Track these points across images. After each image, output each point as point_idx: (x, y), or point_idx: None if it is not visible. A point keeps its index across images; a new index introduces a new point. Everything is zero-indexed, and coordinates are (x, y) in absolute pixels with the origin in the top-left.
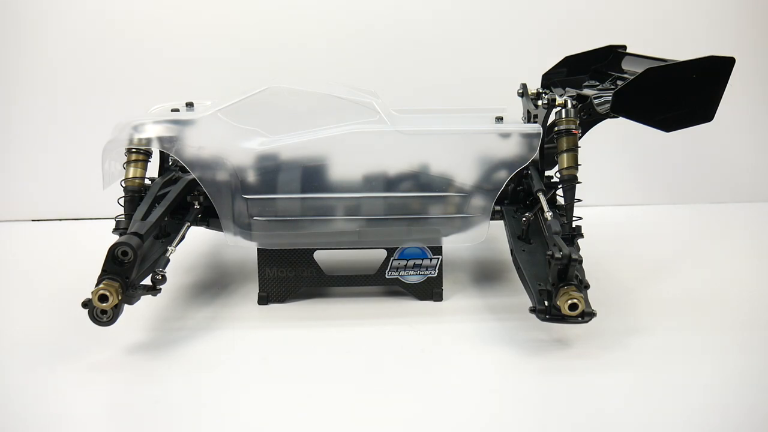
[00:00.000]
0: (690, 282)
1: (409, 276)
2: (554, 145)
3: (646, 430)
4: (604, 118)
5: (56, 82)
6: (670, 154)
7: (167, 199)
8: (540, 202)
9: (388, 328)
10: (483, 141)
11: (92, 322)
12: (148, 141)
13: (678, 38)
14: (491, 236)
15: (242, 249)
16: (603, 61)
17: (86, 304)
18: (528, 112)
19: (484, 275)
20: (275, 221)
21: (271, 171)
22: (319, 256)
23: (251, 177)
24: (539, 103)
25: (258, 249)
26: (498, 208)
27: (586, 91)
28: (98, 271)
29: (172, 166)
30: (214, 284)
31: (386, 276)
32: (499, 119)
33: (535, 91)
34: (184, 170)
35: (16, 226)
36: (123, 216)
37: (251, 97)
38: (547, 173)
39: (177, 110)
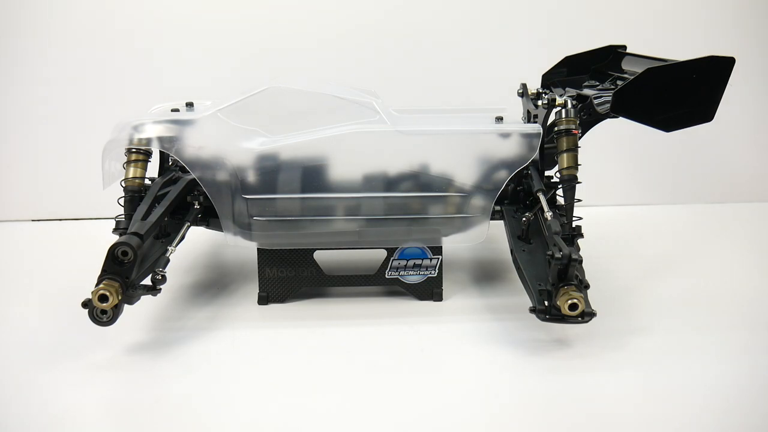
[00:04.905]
0: (690, 282)
1: (409, 276)
2: (554, 145)
3: (646, 429)
4: (604, 118)
5: (56, 82)
6: (670, 154)
7: (167, 199)
8: (540, 202)
9: (388, 328)
10: (483, 141)
11: (92, 322)
12: (148, 141)
13: (678, 38)
14: (491, 236)
15: (242, 249)
16: (603, 61)
17: (86, 304)
18: (528, 112)
19: (484, 275)
20: (275, 221)
21: (271, 171)
22: (319, 256)
23: (251, 177)
24: (539, 103)
25: (258, 249)
26: (498, 208)
27: (586, 91)
28: (98, 271)
29: (172, 166)
30: (214, 284)
31: (386, 276)
32: (499, 119)
33: (535, 91)
34: (184, 170)
35: (16, 226)
36: (123, 216)
37: (251, 97)
38: (547, 173)
39: (177, 110)
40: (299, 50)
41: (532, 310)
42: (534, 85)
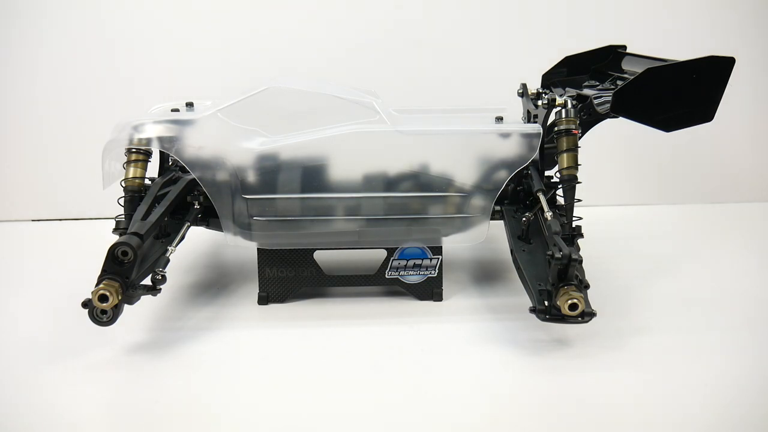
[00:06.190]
0: (689, 282)
1: (409, 276)
2: (554, 145)
3: (646, 429)
4: (604, 118)
5: (56, 82)
6: (669, 154)
7: (167, 199)
8: (540, 202)
9: (388, 328)
10: (483, 141)
11: (92, 322)
12: (148, 141)
13: (678, 38)
14: (491, 236)
15: (242, 249)
16: (603, 61)
17: (86, 304)
18: (528, 112)
19: (484, 275)
20: (275, 221)
21: (271, 171)
22: (319, 256)
23: (251, 177)
24: (539, 103)
25: (258, 249)
26: (498, 208)
27: (586, 91)
28: (98, 271)
29: (172, 166)
30: (214, 284)
31: (386, 276)
32: (499, 119)
33: (535, 91)
34: (184, 170)
35: (16, 226)
36: (123, 216)
37: (251, 97)
38: (547, 173)
39: (177, 110)
40: (299, 50)
41: (532, 310)
42: (534, 85)
